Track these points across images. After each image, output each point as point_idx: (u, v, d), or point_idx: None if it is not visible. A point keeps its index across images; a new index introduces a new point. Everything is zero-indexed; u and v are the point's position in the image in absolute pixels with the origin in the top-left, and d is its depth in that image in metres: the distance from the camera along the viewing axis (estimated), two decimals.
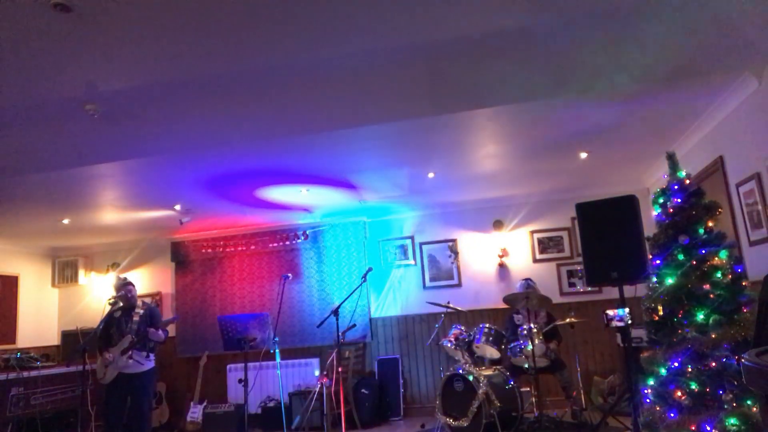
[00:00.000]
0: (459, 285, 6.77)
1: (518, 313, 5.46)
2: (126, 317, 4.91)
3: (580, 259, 4.58)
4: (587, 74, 3.55)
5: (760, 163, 3.69)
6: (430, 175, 5.54)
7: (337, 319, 4.70)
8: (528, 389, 5.40)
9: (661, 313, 3.38)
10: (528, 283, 5.48)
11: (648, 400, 3.41)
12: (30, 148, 4.07)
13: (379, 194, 6.20)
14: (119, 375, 4.78)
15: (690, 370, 3.13)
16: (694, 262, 3.30)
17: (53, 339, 7.52)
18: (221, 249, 7.24)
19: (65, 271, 7.62)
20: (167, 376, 7.04)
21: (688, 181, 3.51)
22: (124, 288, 4.98)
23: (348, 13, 2.67)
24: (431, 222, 6.99)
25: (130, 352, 4.80)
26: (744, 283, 3.27)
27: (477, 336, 5.10)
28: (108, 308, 4.92)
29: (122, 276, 5.41)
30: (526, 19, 2.83)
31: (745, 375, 1.48)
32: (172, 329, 6.93)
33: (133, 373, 4.81)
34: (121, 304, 4.94)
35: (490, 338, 5.06)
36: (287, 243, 7.09)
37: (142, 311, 5.01)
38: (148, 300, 7.08)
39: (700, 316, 3.20)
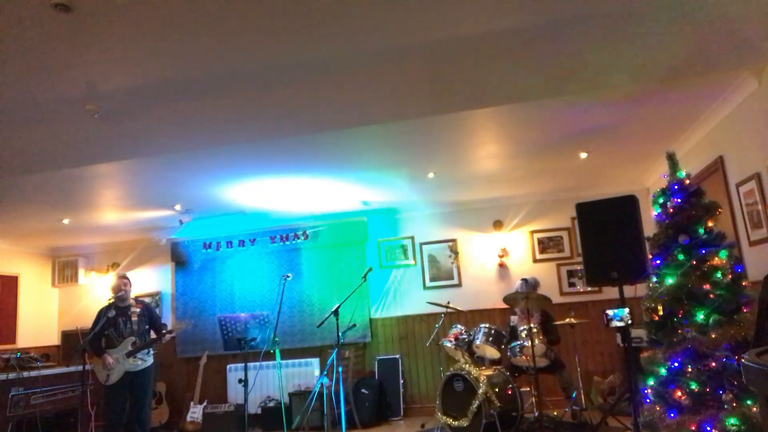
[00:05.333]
0: (459, 285, 6.77)
1: (515, 314, 5.45)
2: (123, 317, 4.88)
3: (580, 259, 4.58)
4: (587, 74, 3.55)
5: (760, 163, 3.69)
6: (430, 175, 5.54)
7: (337, 319, 4.70)
8: (528, 389, 5.40)
9: (661, 313, 3.38)
10: (526, 282, 5.47)
11: (648, 400, 3.42)
12: (30, 148, 4.07)
13: (379, 194, 6.20)
14: (124, 374, 4.77)
15: (690, 370, 3.14)
16: (694, 262, 3.30)
17: (53, 339, 7.52)
18: (221, 249, 7.24)
19: (65, 271, 7.62)
20: (167, 376, 7.04)
21: (688, 181, 3.52)
22: (120, 281, 4.96)
23: (348, 12, 2.67)
24: (431, 222, 6.99)
25: (135, 354, 4.80)
26: (744, 283, 3.27)
27: (477, 336, 5.10)
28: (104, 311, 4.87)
29: (122, 273, 5.39)
30: (526, 19, 2.83)
31: (745, 375, 1.48)
32: None
33: (137, 371, 4.82)
34: (113, 297, 4.89)
35: (490, 338, 5.06)
36: (287, 243, 7.10)
37: (138, 310, 4.98)
38: (147, 300, 7.11)
39: (700, 316, 3.20)
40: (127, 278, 5.05)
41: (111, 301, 4.96)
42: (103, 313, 4.85)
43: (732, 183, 4.16)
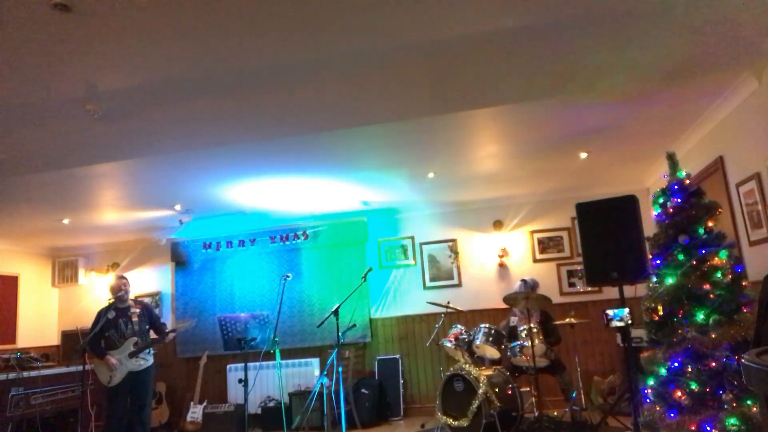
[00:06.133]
0: (459, 285, 6.77)
1: (515, 314, 5.45)
2: (124, 318, 4.87)
3: (580, 259, 4.58)
4: (587, 74, 3.55)
5: (760, 163, 3.69)
6: (430, 175, 5.53)
7: (337, 319, 4.70)
8: (528, 389, 5.40)
9: (661, 313, 3.38)
10: (525, 283, 5.46)
11: (648, 400, 3.42)
12: (30, 148, 4.07)
13: (379, 194, 6.20)
14: (127, 374, 4.77)
15: (690, 370, 3.14)
16: (694, 262, 3.30)
17: (53, 339, 7.52)
18: (221, 249, 7.25)
19: (65, 271, 7.62)
20: (167, 376, 7.04)
21: (688, 181, 3.52)
22: (119, 281, 4.95)
23: (348, 12, 2.67)
24: (431, 222, 6.99)
25: (138, 355, 4.79)
26: (744, 283, 3.27)
27: (477, 336, 5.10)
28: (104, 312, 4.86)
29: (120, 274, 5.39)
30: (526, 19, 2.83)
31: (745, 375, 1.48)
32: None
33: (139, 370, 4.82)
34: (112, 298, 4.88)
35: (490, 338, 5.06)
36: (287, 243, 7.10)
37: (138, 310, 4.97)
38: (147, 299, 7.11)
39: (700, 316, 3.20)
40: (125, 278, 5.05)
41: (111, 301, 4.95)
42: (102, 314, 4.84)
43: (732, 183, 4.15)
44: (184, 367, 7.13)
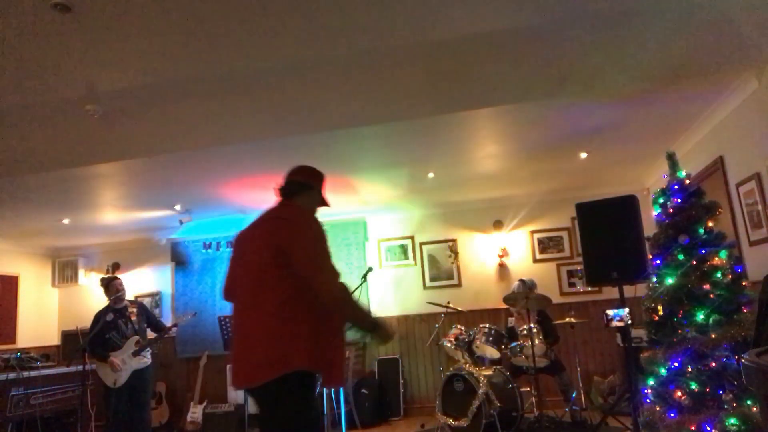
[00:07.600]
0: (459, 285, 6.77)
1: (512, 315, 5.45)
2: (123, 318, 4.88)
3: (580, 259, 4.58)
4: (587, 74, 3.55)
5: (760, 163, 3.69)
6: (430, 175, 5.53)
7: None
8: (528, 389, 5.40)
9: (661, 313, 3.38)
10: (523, 283, 5.45)
11: (648, 400, 3.42)
12: (30, 148, 4.06)
13: (379, 194, 6.20)
14: (131, 373, 4.77)
15: (690, 370, 3.13)
16: (694, 262, 3.30)
17: (53, 339, 7.52)
18: (221, 249, 7.24)
19: (65, 271, 7.62)
20: (167, 376, 7.03)
21: (688, 181, 3.52)
22: (115, 282, 4.95)
23: (348, 12, 2.67)
24: (431, 222, 6.99)
25: (141, 353, 4.80)
26: (744, 283, 3.27)
27: (477, 336, 5.10)
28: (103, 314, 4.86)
29: (112, 275, 5.40)
30: (526, 19, 2.83)
31: (745, 375, 1.48)
32: None
33: (142, 368, 4.83)
34: (112, 299, 4.87)
35: (490, 338, 5.06)
36: None
37: (135, 309, 4.99)
38: (147, 300, 7.11)
39: (700, 316, 3.20)
40: (119, 278, 5.07)
41: (109, 303, 4.92)
42: (101, 316, 4.83)
43: (732, 183, 4.15)
44: (184, 367, 7.13)
